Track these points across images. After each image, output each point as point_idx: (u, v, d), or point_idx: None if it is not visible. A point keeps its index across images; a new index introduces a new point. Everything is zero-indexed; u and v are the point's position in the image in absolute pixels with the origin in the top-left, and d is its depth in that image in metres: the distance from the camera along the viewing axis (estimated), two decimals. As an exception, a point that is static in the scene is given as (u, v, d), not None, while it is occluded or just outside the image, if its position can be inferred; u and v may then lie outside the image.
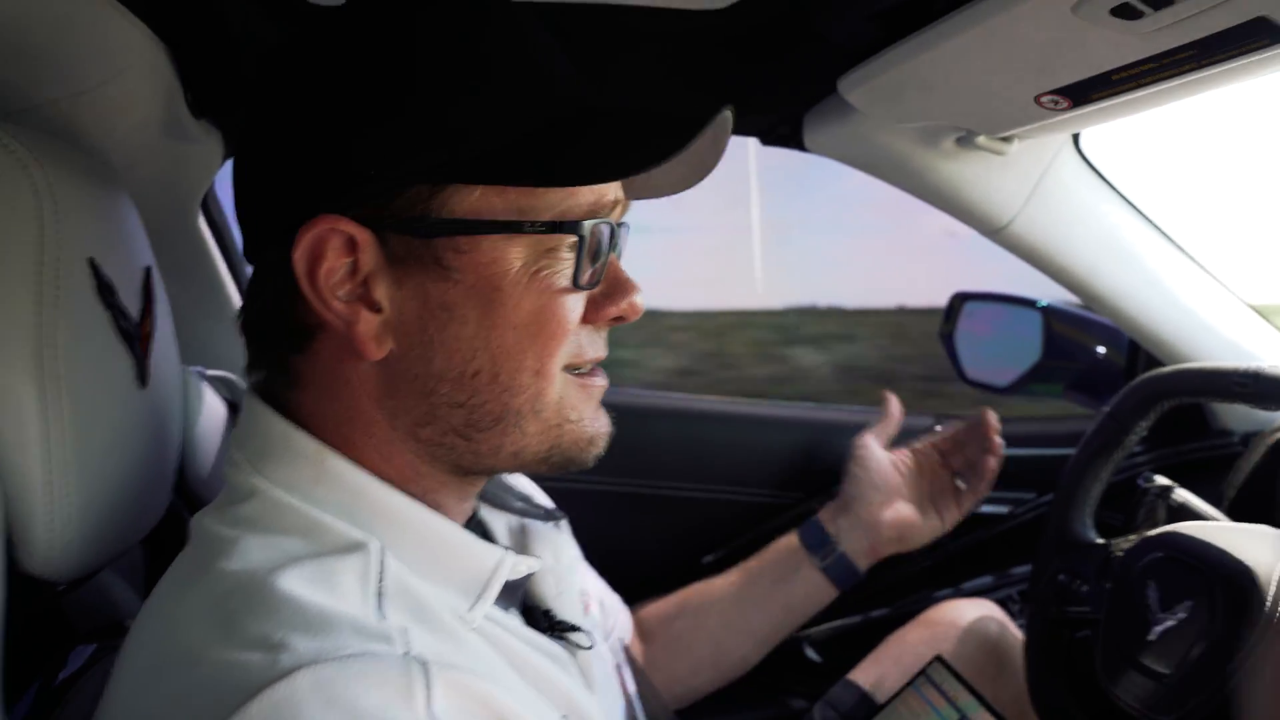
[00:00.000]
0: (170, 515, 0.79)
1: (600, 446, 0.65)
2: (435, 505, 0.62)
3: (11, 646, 0.60)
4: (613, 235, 0.62)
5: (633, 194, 0.68)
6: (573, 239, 0.59)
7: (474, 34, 0.58)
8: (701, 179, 0.67)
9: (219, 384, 1.02)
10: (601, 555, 1.03)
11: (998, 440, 1.14)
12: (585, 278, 0.60)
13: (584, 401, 0.64)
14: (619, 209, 0.64)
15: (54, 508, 0.61)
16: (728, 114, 0.60)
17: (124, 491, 0.69)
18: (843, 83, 0.94)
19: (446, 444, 0.61)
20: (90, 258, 0.66)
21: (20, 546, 0.62)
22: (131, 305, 0.71)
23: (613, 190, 0.62)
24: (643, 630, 1.11)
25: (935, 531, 1.14)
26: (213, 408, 0.96)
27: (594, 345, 0.64)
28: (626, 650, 0.93)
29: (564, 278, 0.59)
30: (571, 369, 0.63)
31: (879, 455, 1.16)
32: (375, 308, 0.58)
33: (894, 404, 1.22)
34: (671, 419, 1.45)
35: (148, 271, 0.76)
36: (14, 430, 0.60)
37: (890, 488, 1.13)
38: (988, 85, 0.85)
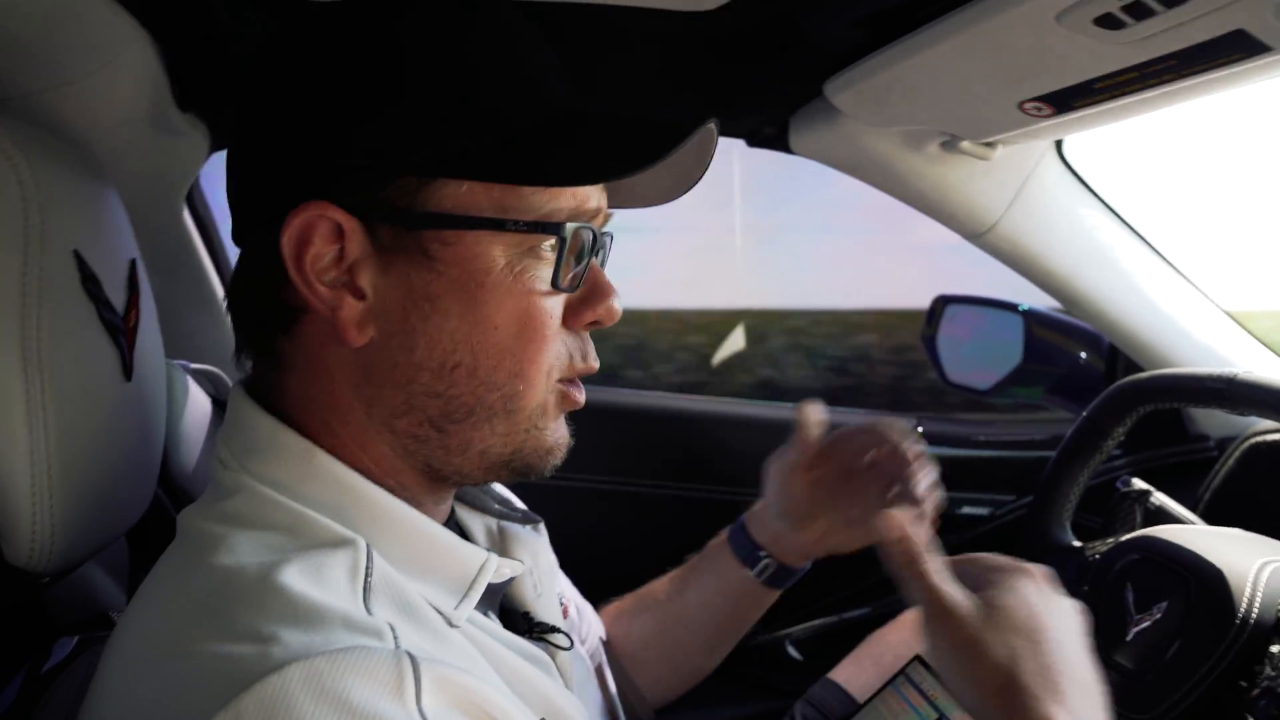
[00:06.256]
0: (154, 509, 0.79)
1: (558, 457, 0.66)
2: (414, 504, 0.62)
3: None
4: (595, 240, 0.63)
5: (617, 203, 0.69)
6: (553, 240, 0.60)
7: (463, 32, 0.59)
8: (687, 190, 0.69)
9: (203, 378, 1.01)
10: (582, 553, 1.03)
11: (911, 450, 0.93)
12: (565, 280, 0.61)
13: (559, 412, 0.65)
14: (601, 217, 0.65)
15: (39, 499, 0.61)
16: (712, 126, 0.61)
17: (109, 484, 0.69)
18: (829, 86, 0.95)
19: (421, 435, 0.61)
20: (75, 249, 0.65)
21: (5, 538, 0.62)
22: (116, 298, 0.71)
23: (595, 198, 0.63)
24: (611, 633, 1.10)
25: (869, 539, 0.93)
26: (197, 401, 0.96)
27: (582, 353, 0.65)
28: (608, 649, 0.93)
29: (544, 279, 0.60)
30: (563, 381, 0.64)
31: (784, 482, 0.99)
32: (360, 295, 0.59)
33: (810, 413, 1.02)
34: (655, 418, 1.45)
35: (133, 264, 0.76)
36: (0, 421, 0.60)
37: (799, 513, 0.98)
38: (972, 91, 0.86)
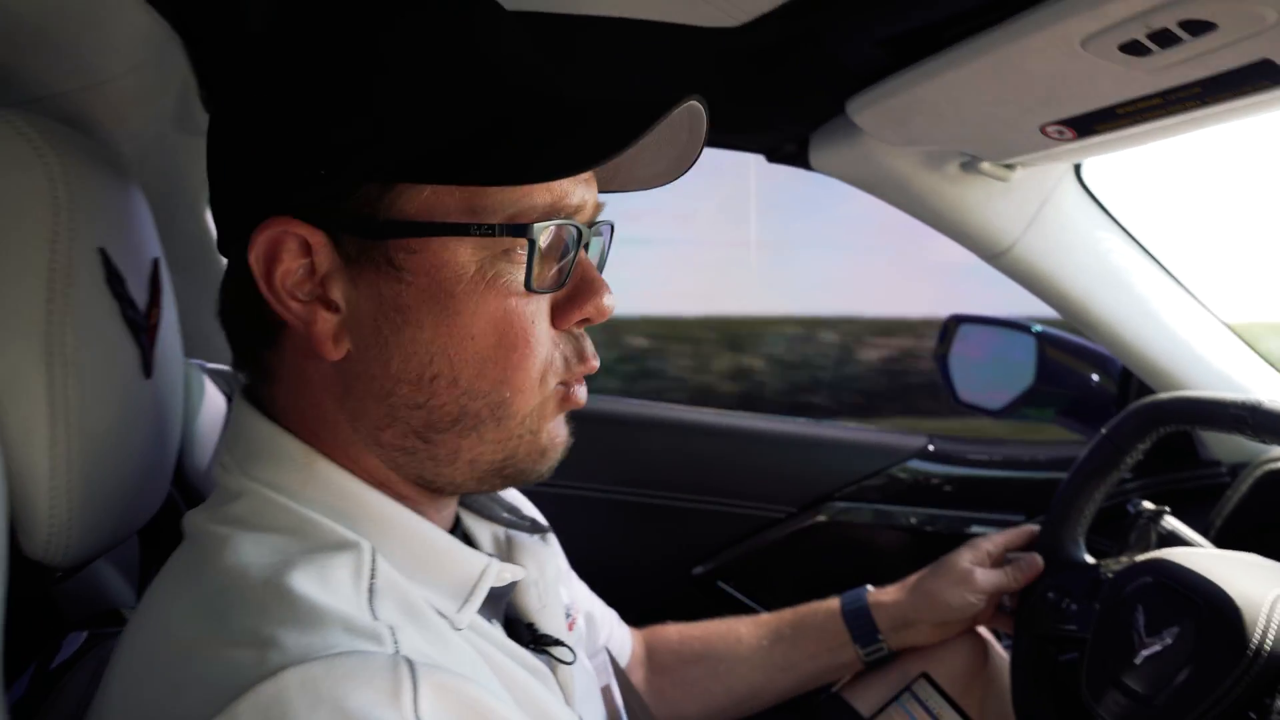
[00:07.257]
0: (167, 507, 0.79)
1: (553, 459, 0.64)
2: (414, 509, 0.62)
3: (9, 630, 0.60)
4: (580, 236, 0.60)
5: (615, 186, 0.67)
6: (525, 241, 0.57)
7: (419, 32, 0.57)
8: (683, 172, 0.66)
9: (219, 377, 1.02)
10: (592, 562, 1.04)
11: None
12: (542, 281, 0.59)
13: (556, 415, 0.63)
14: (589, 209, 0.62)
15: (57, 493, 0.62)
16: (695, 103, 0.58)
17: (126, 480, 0.69)
18: (851, 104, 0.96)
19: (408, 447, 0.60)
20: (101, 247, 0.66)
21: (23, 530, 0.62)
22: (139, 296, 0.72)
23: (577, 191, 0.60)
24: (654, 660, 1.09)
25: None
26: (213, 401, 0.96)
27: (578, 353, 0.62)
28: (617, 667, 0.93)
29: (521, 282, 0.57)
30: (563, 384, 0.62)
31: (983, 587, 1.04)
32: (333, 307, 0.58)
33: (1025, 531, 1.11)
34: (665, 429, 1.45)
35: (156, 263, 0.76)
36: (21, 414, 0.60)
37: (974, 620, 1.06)
38: (994, 113, 0.87)
